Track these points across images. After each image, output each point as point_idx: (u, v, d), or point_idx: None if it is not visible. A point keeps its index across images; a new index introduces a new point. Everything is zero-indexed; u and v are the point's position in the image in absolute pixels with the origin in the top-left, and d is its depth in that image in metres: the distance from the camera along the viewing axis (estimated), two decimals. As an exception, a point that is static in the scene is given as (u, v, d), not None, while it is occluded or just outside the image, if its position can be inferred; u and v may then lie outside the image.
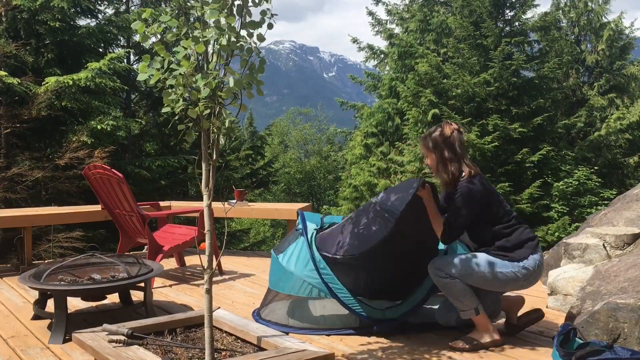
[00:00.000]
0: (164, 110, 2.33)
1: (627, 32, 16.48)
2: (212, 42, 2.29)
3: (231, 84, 2.26)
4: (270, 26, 2.33)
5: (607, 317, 2.83)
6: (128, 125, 11.09)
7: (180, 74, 2.25)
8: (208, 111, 2.31)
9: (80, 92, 9.39)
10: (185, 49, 2.23)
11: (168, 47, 2.31)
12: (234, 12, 2.30)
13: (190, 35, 2.25)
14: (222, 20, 2.27)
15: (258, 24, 2.32)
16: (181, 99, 2.29)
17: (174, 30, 2.31)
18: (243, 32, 2.32)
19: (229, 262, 5.80)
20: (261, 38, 2.34)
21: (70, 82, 9.03)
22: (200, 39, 2.24)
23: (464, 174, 3.18)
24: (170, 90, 2.31)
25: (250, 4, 2.33)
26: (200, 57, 2.34)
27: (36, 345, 3.27)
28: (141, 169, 10.94)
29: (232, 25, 2.27)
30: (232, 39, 2.27)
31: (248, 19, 2.33)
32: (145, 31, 2.27)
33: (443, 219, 3.20)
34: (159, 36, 2.34)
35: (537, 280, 3.24)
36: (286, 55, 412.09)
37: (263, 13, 2.31)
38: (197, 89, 2.27)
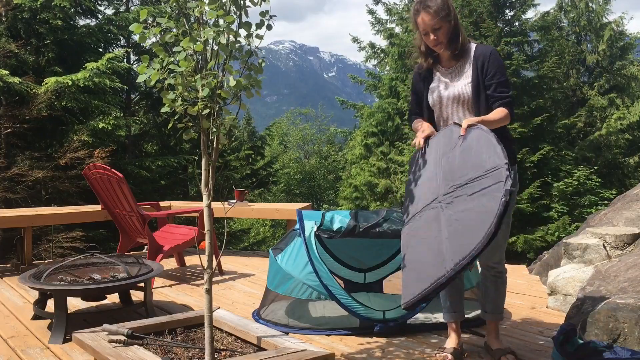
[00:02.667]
0: (163, 110, 2.33)
1: (627, 32, 16.50)
2: (210, 41, 2.29)
3: (232, 84, 2.26)
4: (269, 27, 2.33)
5: (607, 317, 2.83)
6: (128, 124, 11.09)
7: (179, 73, 2.25)
8: (207, 111, 2.31)
9: (80, 91, 9.39)
10: (185, 50, 2.23)
11: (167, 47, 2.31)
12: (233, 12, 2.30)
13: (189, 35, 2.25)
14: (221, 21, 2.27)
15: (257, 26, 2.32)
16: (180, 99, 2.29)
17: (174, 31, 2.31)
18: (242, 32, 2.32)
19: (229, 262, 5.80)
20: (260, 37, 2.34)
21: (70, 82, 9.03)
22: (199, 39, 2.24)
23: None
24: (169, 91, 2.31)
25: (248, 3, 2.33)
26: (199, 57, 2.34)
27: (36, 345, 3.27)
28: (141, 169, 10.94)
29: (231, 25, 2.27)
30: (231, 38, 2.27)
31: (245, 19, 2.33)
32: (143, 32, 2.27)
33: (496, 108, 2.73)
34: (158, 37, 2.34)
35: None
36: (286, 55, 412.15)
37: (262, 14, 2.31)
38: (197, 88, 2.27)
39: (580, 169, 13.13)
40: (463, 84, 2.83)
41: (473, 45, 2.85)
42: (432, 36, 2.75)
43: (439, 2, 2.71)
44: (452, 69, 2.87)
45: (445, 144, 2.73)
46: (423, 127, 2.90)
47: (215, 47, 2.31)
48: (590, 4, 16.30)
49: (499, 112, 2.73)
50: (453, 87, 2.86)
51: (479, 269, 3.12)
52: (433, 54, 2.88)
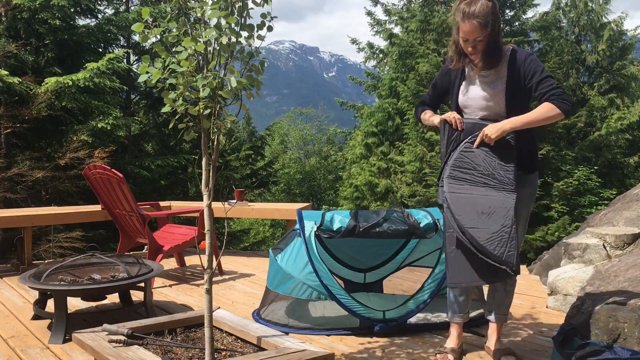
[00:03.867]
0: (164, 109, 2.33)
1: (627, 32, 16.49)
2: (212, 42, 2.29)
3: (233, 84, 2.26)
4: (270, 29, 2.33)
5: (607, 317, 2.83)
6: (128, 124, 11.09)
7: (180, 73, 2.25)
8: (208, 111, 2.31)
9: (80, 92, 9.40)
10: (187, 49, 2.23)
11: (168, 47, 2.31)
12: (235, 13, 2.30)
13: (190, 35, 2.25)
14: (223, 21, 2.27)
15: (259, 27, 2.32)
16: (180, 99, 2.29)
17: (174, 31, 2.31)
18: (243, 33, 2.32)
19: (229, 262, 5.80)
20: (261, 37, 2.34)
21: (70, 83, 9.03)
22: (200, 39, 2.24)
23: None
24: (169, 91, 2.31)
25: (251, 5, 2.33)
26: (200, 57, 2.34)
27: (36, 345, 3.27)
28: (141, 169, 10.95)
29: (232, 25, 2.27)
30: (232, 39, 2.27)
31: (248, 20, 2.33)
32: (144, 31, 2.27)
33: (542, 104, 2.69)
34: (158, 37, 2.34)
35: None
36: (286, 55, 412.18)
37: (263, 16, 2.31)
38: (197, 88, 2.27)
39: (580, 169, 13.13)
40: (497, 90, 2.80)
41: (509, 49, 2.79)
42: (471, 46, 2.71)
43: (487, 12, 2.63)
44: (487, 73, 2.83)
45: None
46: (453, 115, 2.85)
47: (217, 47, 2.31)
48: (589, 4, 16.29)
49: (541, 110, 2.68)
50: (486, 91, 2.83)
51: None
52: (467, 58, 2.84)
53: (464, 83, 2.90)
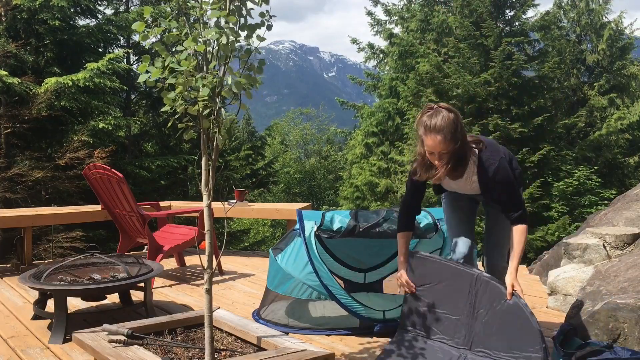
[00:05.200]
0: (164, 109, 2.33)
1: (627, 32, 16.49)
2: (212, 42, 2.29)
3: (230, 82, 2.26)
4: (269, 28, 2.33)
5: (607, 317, 2.83)
6: (128, 124, 11.09)
7: (180, 73, 2.25)
8: (208, 111, 2.31)
9: (80, 92, 9.40)
10: (186, 49, 2.23)
11: (168, 46, 2.31)
12: (235, 13, 2.30)
13: (190, 35, 2.25)
14: (222, 21, 2.27)
15: (257, 26, 2.32)
16: (180, 98, 2.29)
17: (174, 31, 2.30)
18: (242, 33, 2.32)
19: (229, 262, 5.80)
20: (261, 38, 2.34)
21: (70, 83, 9.03)
22: (200, 39, 2.24)
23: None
24: (168, 91, 2.31)
25: (250, 5, 2.33)
26: (200, 57, 2.34)
27: (36, 345, 3.27)
28: (141, 169, 10.95)
29: (232, 25, 2.27)
30: (232, 38, 2.27)
31: (247, 20, 2.33)
32: (145, 30, 2.27)
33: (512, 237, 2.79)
34: (159, 36, 2.34)
35: None
36: (286, 55, 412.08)
37: (262, 15, 2.31)
38: (197, 88, 2.27)
39: (580, 169, 13.13)
40: (471, 185, 2.89)
41: (476, 154, 2.80)
42: (437, 159, 2.70)
43: (450, 126, 2.62)
44: (457, 180, 2.89)
45: (483, 294, 2.78)
46: (405, 281, 2.98)
47: (216, 47, 2.31)
48: (590, 4, 16.30)
49: (520, 239, 2.76)
50: (461, 187, 2.95)
51: (481, 269, 3.12)
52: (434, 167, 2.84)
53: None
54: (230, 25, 2.27)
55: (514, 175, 2.87)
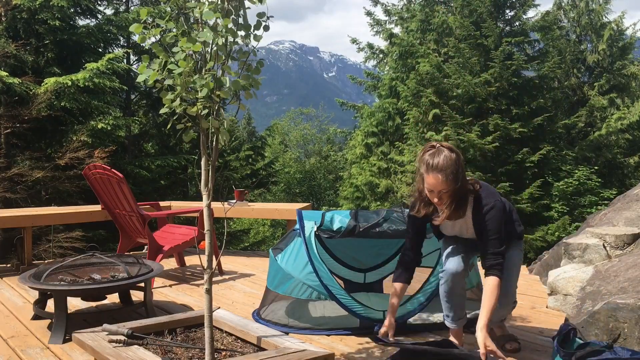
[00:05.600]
0: (162, 111, 2.33)
1: (629, 32, 16.51)
2: (209, 42, 2.29)
3: (227, 85, 2.26)
4: (266, 28, 2.32)
5: (607, 317, 2.83)
6: (128, 124, 11.10)
7: (178, 74, 2.25)
8: (206, 111, 2.31)
9: (79, 92, 9.41)
10: (184, 51, 2.23)
11: (166, 47, 2.31)
12: (232, 14, 2.30)
13: (187, 35, 2.25)
14: (220, 22, 2.26)
15: (255, 27, 2.31)
16: (178, 99, 2.29)
17: (173, 31, 2.30)
18: (240, 33, 2.32)
19: (229, 262, 5.80)
20: (257, 37, 2.33)
21: (69, 83, 9.04)
22: (198, 40, 2.24)
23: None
24: (168, 91, 2.31)
25: (247, 4, 2.33)
26: (199, 57, 2.34)
27: (36, 345, 3.27)
28: (141, 169, 10.95)
29: (230, 26, 2.27)
30: (230, 39, 2.27)
31: (241, 20, 2.33)
32: (143, 32, 2.27)
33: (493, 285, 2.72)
34: (157, 37, 2.34)
35: None
36: (286, 55, 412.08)
37: (260, 15, 2.30)
38: (195, 89, 2.27)
39: (580, 169, 13.13)
40: (467, 227, 2.90)
41: (472, 195, 2.81)
42: (436, 198, 2.73)
43: (450, 164, 2.65)
44: (457, 221, 2.90)
45: None
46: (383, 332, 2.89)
47: (214, 48, 2.31)
48: (590, 4, 16.30)
49: (492, 293, 2.70)
50: (460, 230, 2.95)
51: (480, 269, 3.13)
52: (433, 205, 2.86)
53: (435, 220, 2.95)
54: (230, 26, 2.27)
55: (507, 221, 2.86)
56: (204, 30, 2.24)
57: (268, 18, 2.31)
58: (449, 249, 2.99)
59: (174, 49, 2.26)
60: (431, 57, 14.33)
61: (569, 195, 12.71)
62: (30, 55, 9.94)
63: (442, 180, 2.65)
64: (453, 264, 2.90)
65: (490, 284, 2.72)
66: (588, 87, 16.03)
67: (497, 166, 12.68)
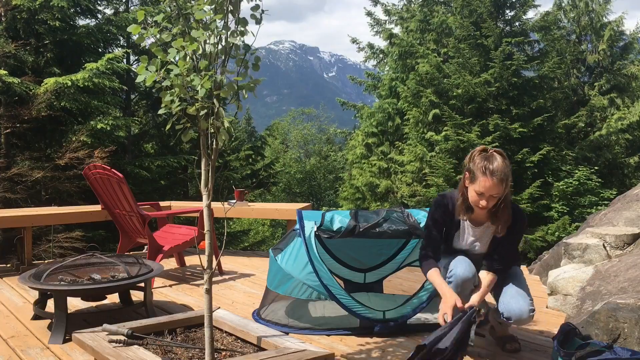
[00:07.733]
0: (160, 111, 2.32)
1: (627, 32, 16.51)
2: (209, 41, 2.29)
3: (224, 83, 2.26)
4: (258, 21, 2.30)
5: (607, 317, 2.83)
6: (128, 124, 11.10)
7: (175, 75, 2.25)
8: (205, 111, 2.30)
9: (79, 92, 9.41)
10: (179, 51, 2.22)
11: (165, 48, 2.31)
12: (225, 12, 2.29)
13: (188, 34, 2.25)
14: (218, 22, 2.26)
15: (243, 23, 2.30)
16: (177, 99, 2.29)
17: (173, 30, 2.30)
18: (234, 27, 2.30)
19: (229, 262, 5.80)
20: (244, 32, 2.31)
21: (69, 83, 9.04)
22: (197, 39, 2.23)
23: None
24: (166, 92, 2.31)
25: (245, 4, 2.32)
26: (198, 57, 2.33)
27: (36, 345, 3.27)
28: (141, 169, 10.96)
29: (225, 22, 2.26)
30: (223, 38, 2.26)
31: (232, 19, 2.31)
32: (141, 33, 2.27)
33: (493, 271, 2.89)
34: (157, 36, 2.34)
35: None
36: (286, 55, 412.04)
37: (254, 8, 2.29)
38: (195, 88, 2.27)
39: (580, 169, 13.13)
40: (485, 242, 2.97)
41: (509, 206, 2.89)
42: (484, 201, 2.77)
43: (506, 170, 2.73)
44: (482, 227, 2.95)
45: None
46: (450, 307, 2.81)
47: (212, 48, 2.30)
48: (590, 4, 16.30)
49: (490, 283, 2.89)
50: (477, 244, 2.99)
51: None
52: (472, 209, 2.90)
53: (458, 230, 3.00)
54: (224, 22, 2.25)
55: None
56: (199, 29, 2.24)
57: (263, 12, 2.29)
58: (457, 258, 2.96)
59: (169, 50, 2.26)
60: (431, 57, 14.34)
61: (569, 195, 12.71)
62: (30, 55, 9.94)
63: (496, 184, 2.72)
64: (462, 269, 2.86)
65: (490, 275, 2.89)
66: (588, 87, 16.04)
67: (497, 166, 12.67)
